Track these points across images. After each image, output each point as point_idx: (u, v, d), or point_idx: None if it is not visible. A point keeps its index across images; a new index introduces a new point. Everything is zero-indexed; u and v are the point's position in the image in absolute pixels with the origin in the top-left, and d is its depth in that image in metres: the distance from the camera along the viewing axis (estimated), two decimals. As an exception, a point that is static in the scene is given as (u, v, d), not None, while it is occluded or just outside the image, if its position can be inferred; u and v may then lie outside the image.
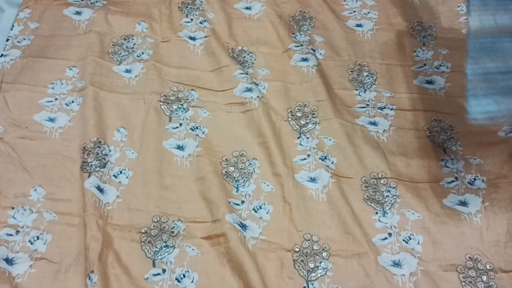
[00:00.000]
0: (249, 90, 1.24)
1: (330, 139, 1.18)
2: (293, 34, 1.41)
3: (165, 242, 1.00)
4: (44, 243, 1.00)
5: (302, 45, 1.37)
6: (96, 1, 1.44)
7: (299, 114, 1.23)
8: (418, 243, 1.02)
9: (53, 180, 1.08)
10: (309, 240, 1.02)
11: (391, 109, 1.25)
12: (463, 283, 0.97)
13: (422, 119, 1.24)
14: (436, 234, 1.04)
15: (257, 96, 1.23)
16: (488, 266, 1.00)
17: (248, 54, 1.35)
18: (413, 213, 1.06)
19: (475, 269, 0.99)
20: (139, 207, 1.05)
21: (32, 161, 1.10)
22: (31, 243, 1.00)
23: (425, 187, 1.10)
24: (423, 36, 1.41)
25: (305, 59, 1.34)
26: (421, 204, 1.08)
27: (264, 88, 1.28)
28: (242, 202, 1.07)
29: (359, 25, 1.45)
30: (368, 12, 1.47)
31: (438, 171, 1.13)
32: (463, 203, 1.08)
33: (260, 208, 1.07)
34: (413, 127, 1.22)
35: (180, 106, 1.22)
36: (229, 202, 1.05)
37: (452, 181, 1.12)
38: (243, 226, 1.03)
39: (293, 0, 1.49)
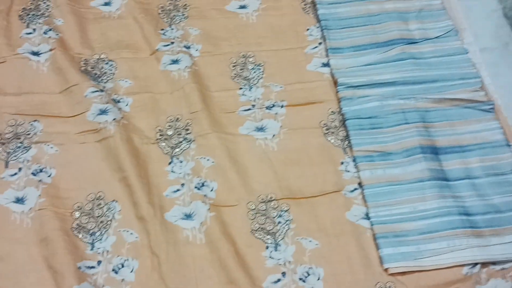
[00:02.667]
0: (103, 112, 1.01)
1: (208, 159, 0.96)
2: (162, 30, 1.16)
3: (-2, 336, 0.77)
4: None
5: (173, 42, 1.13)
6: None
7: (170, 132, 1.00)
8: (319, 279, 0.83)
9: None
10: (183, 300, 0.81)
11: (281, 106, 1.04)
12: (377, 324, 0.79)
13: (318, 113, 1.03)
14: (338, 263, 0.85)
15: (114, 119, 0.99)
16: (405, 295, 0.81)
17: (106, 63, 1.11)
18: (310, 241, 0.87)
19: (389, 301, 0.81)
20: (-35, 292, 0.81)
21: None
22: None
23: (323, 202, 0.91)
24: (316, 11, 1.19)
25: (176, 61, 1.10)
26: (319, 226, 0.88)
27: (127, 105, 1.04)
28: (99, 262, 0.85)
29: (242, 7, 1.22)
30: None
31: (337, 177, 0.94)
32: (368, 217, 0.89)
33: (122, 266, 0.85)
34: (308, 125, 1.01)
35: (19, 144, 0.97)
36: (79, 267, 0.83)
37: (355, 189, 0.92)
38: (98, 297, 0.81)
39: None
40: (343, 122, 1.01)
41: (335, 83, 1.07)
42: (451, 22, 1.16)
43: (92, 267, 0.84)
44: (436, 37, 1.13)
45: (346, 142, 0.99)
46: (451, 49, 1.12)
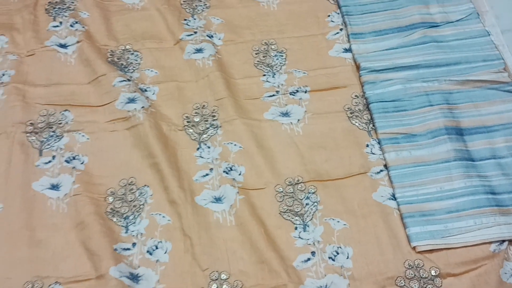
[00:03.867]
0: (132, 100, 1.03)
1: (235, 145, 0.98)
2: (185, 20, 1.18)
3: (41, 315, 0.81)
4: None
5: (196, 32, 1.15)
6: None
7: (196, 119, 1.02)
8: (348, 258, 0.85)
9: None
10: (216, 279, 0.84)
11: (305, 92, 1.06)
12: (406, 299, 0.80)
13: (342, 97, 1.05)
14: (367, 242, 0.86)
15: (142, 107, 1.02)
16: (433, 272, 0.83)
17: (132, 54, 1.13)
18: (338, 221, 0.89)
19: (418, 279, 0.82)
20: (7, 275, 0.85)
21: None
22: None
23: (350, 184, 0.92)
24: (336, -3, 1.20)
25: (199, 50, 1.12)
26: (347, 207, 0.90)
27: (153, 93, 1.06)
28: (133, 244, 0.88)
29: (263, -5, 1.23)
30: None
31: (363, 160, 0.95)
32: (395, 197, 0.90)
33: (156, 248, 0.87)
34: (332, 110, 1.03)
35: (52, 133, 1.00)
36: (115, 249, 0.86)
37: (381, 171, 0.94)
38: (135, 278, 0.84)
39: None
40: (367, 105, 1.02)
41: (358, 67, 1.08)
42: (472, 5, 1.16)
43: (128, 249, 0.87)
44: (457, 20, 1.14)
45: (371, 125, 1.00)
46: (472, 32, 1.12)
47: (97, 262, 0.84)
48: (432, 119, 0.97)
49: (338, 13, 1.18)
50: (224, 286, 0.83)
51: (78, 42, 1.13)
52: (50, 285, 0.84)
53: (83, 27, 1.16)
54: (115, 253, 0.85)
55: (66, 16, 1.18)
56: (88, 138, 1.00)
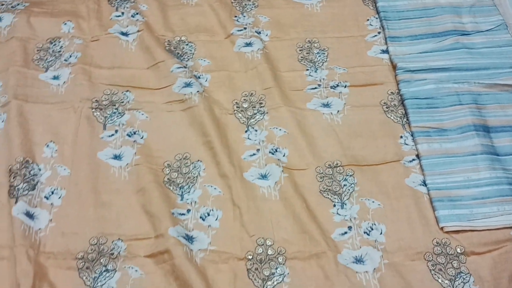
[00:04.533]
0: (188, 85, 1.14)
1: (280, 129, 1.08)
2: (236, 16, 1.29)
3: (105, 266, 0.91)
4: (-26, 282, 0.90)
5: (245, 28, 1.26)
6: (18, 4, 1.31)
7: (245, 105, 1.13)
8: (381, 233, 0.94)
9: (-20, 209, 0.97)
10: (262, 245, 0.93)
11: (345, 86, 1.16)
12: (432, 272, 0.90)
13: (379, 93, 1.14)
14: (399, 221, 0.95)
15: (197, 91, 1.12)
16: (458, 250, 0.92)
17: (187, 45, 1.24)
18: (373, 201, 0.98)
19: (444, 255, 0.91)
20: (75, 230, 0.95)
21: (-43, 191, 0.99)
22: (-41, 283, 0.90)
23: (384, 169, 1.02)
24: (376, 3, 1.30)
25: (249, 44, 1.23)
26: (381, 190, 0.99)
27: (206, 80, 1.17)
28: (188, 211, 0.98)
29: (307, -2, 1.34)
30: (318, -18, 1.36)
31: (397, 149, 1.05)
32: (425, 183, 0.99)
33: (208, 215, 0.97)
34: (370, 104, 1.13)
35: (114, 110, 1.11)
36: (173, 213, 0.96)
37: (413, 159, 1.03)
38: (190, 239, 0.94)
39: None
40: (402, 101, 1.12)
41: (394, 67, 1.18)
42: (501, 17, 1.25)
43: (183, 214, 0.97)
44: (487, 30, 1.23)
45: (405, 119, 1.09)
46: (501, 41, 1.21)
47: (156, 223, 0.94)
48: (462, 117, 1.06)
49: (377, 18, 1.28)
50: (269, 250, 0.92)
51: (138, 31, 1.25)
52: (113, 241, 0.94)
53: (143, 18, 1.27)
54: (172, 216, 0.95)
55: (127, 7, 1.30)
56: (147, 117, 1.11)
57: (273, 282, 0.89)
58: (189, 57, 1.22)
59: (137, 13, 1.28)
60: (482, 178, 0.98)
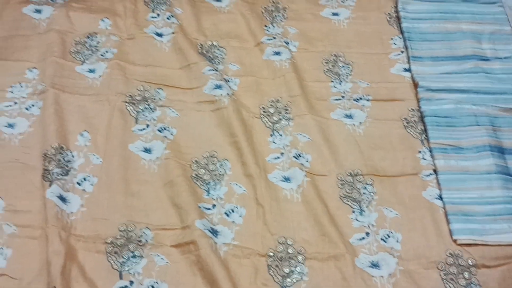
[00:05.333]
0: (218, 87, 1.19)
1: (304, 136, 1.13)
2: (266, 26, 1.35)
3: (132, 252, 0.95)
4: (4, 258, 0.94)
5: (274, 37, 1.32)
6: (57, -2, 1.37)
7: (271, 110, 1.18)
8: (397, 241, 0.99)
9: (12, 190, 1.02)
10: (283, 243, 0.98)
11: (368, 100, 1.21)
12: (445, 281, 0.94)
13: (400, 109, 1.20)
14: (415, 231, 1.00)
15: (227, 94, 1.17)
16: (470, 262, 0.96)
17: (218, 49, 1.30)
18: (391, 211, 1.02)
19: (456, 266, 0.96)
20: (105, 216, 1.00)
21: (-9, 171, 1.04)
22: (-9, 259, 0.94)
23: (402, 181, 1.06)
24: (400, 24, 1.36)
25: (277, 53, 1.28)
26: (399, 200, 1.04)
27: (235, 84, 1.22)
28: (213, 206, 1.02)
29: (335, 14, 1.39)
30: (346, 0, 1.42)
31: (416, 163, 1.10)
32: (441, 197, 1.04)
33: (232, 211, 1.02)
34: (390, 118, 1.18)
35: (146, 106, 1.16)
36: (199, 207, 1.00)
37: (431, 174, 1.08)
38: (214, 232, 0.98)
39: (266, -10, 1.43)
40: (422, 118, 1.17)
41: (415, 85, 1.23)
42: (519, 47, 1.31)
43: (209, 208, 1.02)
44: (505, 57, 1.29)
45: (424, 135, 1.14)
46: (518, 69, 1.27)
47: (183, 215, 0.99)
48: (478, 137, 1.11)
49: (400, 38, 1.34)
50: (290, 249, 0.97)
51: (173, 33, 1.30)
52: (141, 229, 0.98)
53: (177, 21, 1.33)
54: (199, 209, 1.00)
55: (163, 10, 1.36)
56: (177, 114, 1.16)
57: (292, 280, 0.93)
58: (219, 61, 1.27)
59: (172, 16, 1.34)
60: (495, 196, 1.03)
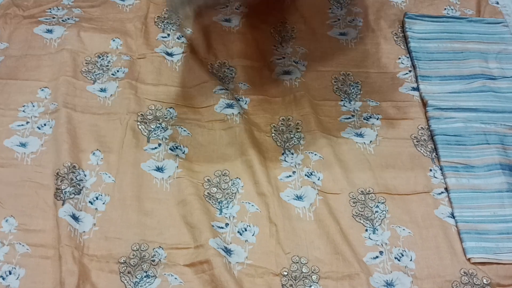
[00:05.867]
0: (230, 106, 1.20)
1: (315, 154, 1.14)
2: (275, 46, 1.37)
3: (146, 271, 0.95)
4: (17, 278, 0.94)
5: (284, 57, 1.33)
6: (68, 18, 1.39)
7: (282, 128, 1.19)
8: (411, 260, 0.98)
9: (25, 209, 1.01)
10: (297, 262, 0.97)
11: (377, 119, 1.22)
12: (459, 300, 0.93)
13: (410, 127, 1.20)
14: (428, 249, 1.00)
15: (238, 112, 1.18)
16: (484, 281, 0.96)
17: (228, 69, 1.31)
18: (403, 229, 1.02)
19: (471, 285, 0.95)
20: (117, 235, 0.99)
21: (3, 190, 1.04)
22: (3, 279, 0.93)
23: (414, 200, 1.07)
24: (407, 43, 1.38)
25: (287, 72, 1.30)
26: (411, 218, 1.04)
27: (245, 103, 1.23)
28: (226, 224, 1.02)
29: (342, 34, 1.41)
30: (353, 20, 1.44)
31: (427, 181, 1.10)
32: (454, 216, 1.04)
33: (245, 230, 1.02)
34: (400, 137, 1.18)
35: (158, 125, 1.17)
36: (213, 225, 1.00)
37: (442, 192, 1.08)
38: (228, 251, 0.98)
39: (275, 10, 1.44)
40: (431, 137, 1.18)
41: (424, 104, 1.24)
42: (524, 66, 1.33)
43: (222, 227, 1.02)
44: (512, 77, 1.30)
45: (434, 154, 1.15)
46: (524, 88, 1.28)
47: (196, 234, 0.99)
48: (489, 155, 1.12)
49: (407, 57, 1.36)
50: (304, 268, 0.97)
51: (183, 52, 1.32)
52: (154, 248, 0.98)
53: (187, 41, 1.35)
54: (212, 228, 1.00)
55: (173, 30, 1.38)
56: (189, 133, 1.17)
57: (307, 299, 0.93)
58: (229, 80, 1.28)
59: (182, 36, 1.35)
60: (507, 215, 1.03)
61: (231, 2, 1.44)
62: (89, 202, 1.04)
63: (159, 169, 1.10)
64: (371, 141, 1.17)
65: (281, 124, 1.20)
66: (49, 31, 1.35)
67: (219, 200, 1.06)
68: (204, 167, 1.11)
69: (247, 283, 0.94)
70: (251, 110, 1.22)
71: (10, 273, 0.94)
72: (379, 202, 1.06)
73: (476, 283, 0.95)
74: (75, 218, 1.00)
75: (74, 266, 0.93)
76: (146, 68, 1.29)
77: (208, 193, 1.07)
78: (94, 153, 1.11)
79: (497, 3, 1.49)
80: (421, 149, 1.16)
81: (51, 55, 1.30)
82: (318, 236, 1.01)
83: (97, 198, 1.04)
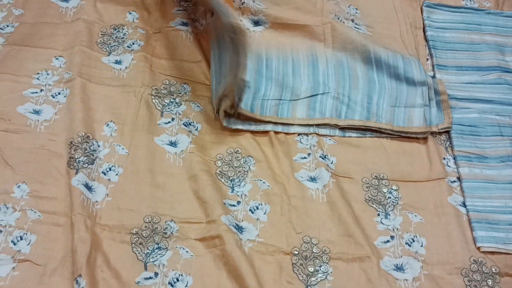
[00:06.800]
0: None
1: (329, 139, 1.13)
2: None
3: (158, 243, 0.95)
4: (28, 244, 0.93)
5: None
6: (85, -12, 1.37)
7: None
8: (422, 246, 0.99)
9: (37, 176, 1.01)
10: (308, 242, 0.98)
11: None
12: (468, 287, 0.94)
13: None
14: (439, 236, 1.00)
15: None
16: (493, 270, 0.96)
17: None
18: (415, 215, 1.03)
19: (480, 273, 0.96)
20: (130, 207, 0.99)
21: (15, 156, 1.03)
22: (14, 244, 0.93)
23: (428, 186, 1.07)
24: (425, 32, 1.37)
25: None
26: (424, 205, 1.04)
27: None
28: (238, 202, 1.02)
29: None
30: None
31: (442, 168, 1.10)
32: (465, 205, 1.05)
33: (257, 208, 1.02)
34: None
35: (172, 100, 1.16)
36: (224, 203, 1.00)
37: (455, 181, 1.09)
38: (239, 228, 0.98)
39: None
40: (445, 125, 1.18)
41: (440, 93, 1.24)
42: (542, 60, 1.33)
43: (233, 205, 1.02)
44: (528, 70, 1.30)
45: (448, 143, 1.15)
46: (541, 81, 1.28)
47: (208, 210, 0.99)
48: (502, 147, 1.12)
49: (425, 46, 1.35)
50: (314, 248, 0.97)
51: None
52: (166, 221, 0.98)
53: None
54: (224, 205, 1.00)
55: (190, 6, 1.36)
56: (202, 109, 1.16)
57: (316, 279, 0.93)
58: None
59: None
60: (519, 206, 1.04)
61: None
62: (102, 172, 1.03)
63: (172, 144, 1.09)
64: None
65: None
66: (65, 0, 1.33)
67: (231, 178, 1.06)
68: (216, 144, 1.11)
69: (257, 260, 0.94)
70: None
71: (21, 238, 0.93)
72: (392, 189, 1.07)
73: (485, 272, 0.96)
74: (88, 187, 1.00)
75: (86, 235, 0.93)
76: (161, 42, 1.28)
77: (220, 171, 1.07)
78: (108, 124, 1.10)
79: (516, -4, 1.48)
80: (436, 137, 1.16)
81: (67, 24, 1.28)
82: (330, 218, 1.01)
83: (110, 169, 1.04)
